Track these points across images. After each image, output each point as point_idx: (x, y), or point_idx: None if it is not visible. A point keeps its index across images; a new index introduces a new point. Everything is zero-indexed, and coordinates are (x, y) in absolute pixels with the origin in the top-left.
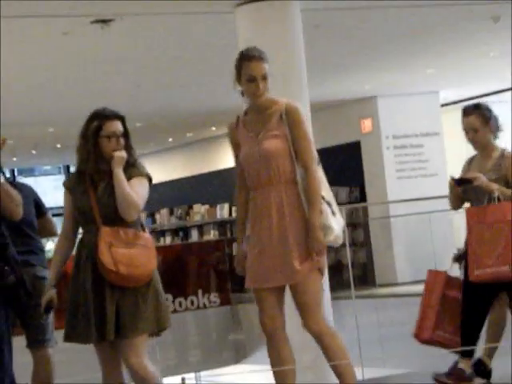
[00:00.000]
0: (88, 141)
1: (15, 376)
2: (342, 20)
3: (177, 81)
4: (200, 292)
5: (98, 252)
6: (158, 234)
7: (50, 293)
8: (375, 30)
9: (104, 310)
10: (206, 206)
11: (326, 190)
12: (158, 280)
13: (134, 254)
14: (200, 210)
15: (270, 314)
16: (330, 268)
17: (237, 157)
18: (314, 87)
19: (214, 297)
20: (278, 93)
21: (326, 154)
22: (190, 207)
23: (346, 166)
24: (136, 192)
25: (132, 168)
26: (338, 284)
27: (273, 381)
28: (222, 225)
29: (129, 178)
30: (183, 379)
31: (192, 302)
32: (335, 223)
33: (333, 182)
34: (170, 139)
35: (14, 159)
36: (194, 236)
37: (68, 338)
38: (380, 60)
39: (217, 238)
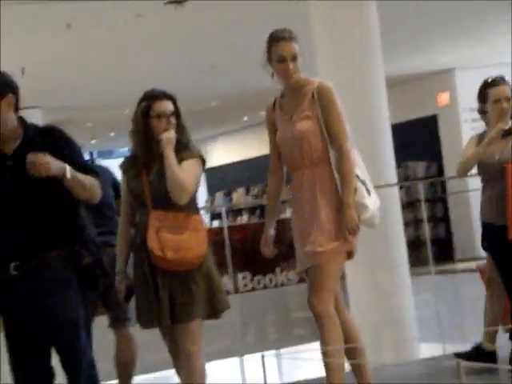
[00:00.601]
0: (138, 124)
1: (96, 357)
2: None
3: (250, 59)
4: (278, 270)
5: (146, 237)
6: (235, 212)
7: (126, 281)
8: (451, 2)
9: (158, 295)
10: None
11: (360, 169)
12: (210, 263)
13: (182, 239)
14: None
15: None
16: (409, 244)
17: (271, 140)
18: (389, 61)
19: (292, 274)
20: (353, 67)
21: (402, 129)
22: (266, 186)
23: (424, 140)
24: (187, 175)
25: (184, 150)
26: (417, 260)
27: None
28: None
29: (180, 160)
30: (263, 356)
31: (270, 280)
32: (370, 202)
33: (410, 156)
34: (245, 118)
35: (93, 142)
36: None
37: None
38: (457, 32)
39: None
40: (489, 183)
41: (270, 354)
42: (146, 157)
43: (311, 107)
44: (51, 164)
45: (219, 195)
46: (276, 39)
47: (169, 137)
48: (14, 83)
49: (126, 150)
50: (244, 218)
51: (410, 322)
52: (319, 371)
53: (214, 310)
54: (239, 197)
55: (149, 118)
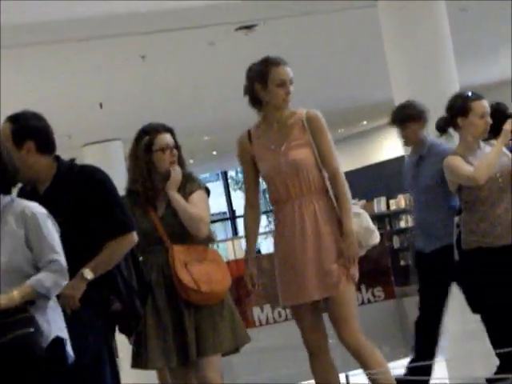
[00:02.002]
0: (139, 159)
1: None
2: (488, 2)
3: (324, 78)
4: (363, 287)
5: (175, 272)
6: None
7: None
8: None
9: (184, 332)
10: (363, 201)
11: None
12: (229, 297)
13: (210, 271)
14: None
15: (312, 333)
16: None
17: (247, 172)
18: (463, 72)
19: (378, 291)
20: (427, 80)
21: None
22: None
23: None
24: (200, 207)
25: (190, 182)
26: None
27: (439, 375)
28: (380, 218)
29: (189, 193)
30: (347, 377)
31: (357, 298)
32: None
33: None
34: (340, 130)
35: None
36: None
37: (138, 362)
38: None
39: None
40: (486, 202)
41: (357, 373)
42: (149, 192)
43: (303, 136)
44: (77, 298)
45: None
46: (275, 63)
47: (177, 178)
48: (36, 127)
49: (206, 175)
50: None
51: None
52: None
53: (238, 343)
54: None
55: (151, 152)
